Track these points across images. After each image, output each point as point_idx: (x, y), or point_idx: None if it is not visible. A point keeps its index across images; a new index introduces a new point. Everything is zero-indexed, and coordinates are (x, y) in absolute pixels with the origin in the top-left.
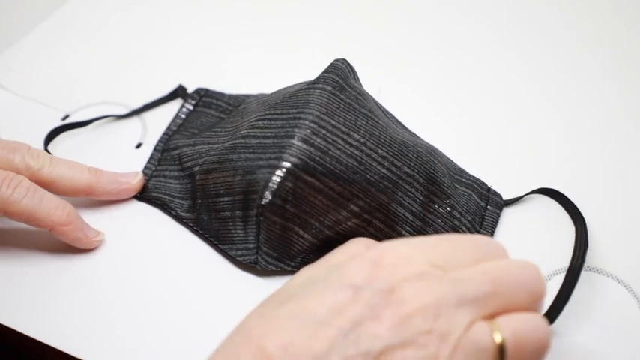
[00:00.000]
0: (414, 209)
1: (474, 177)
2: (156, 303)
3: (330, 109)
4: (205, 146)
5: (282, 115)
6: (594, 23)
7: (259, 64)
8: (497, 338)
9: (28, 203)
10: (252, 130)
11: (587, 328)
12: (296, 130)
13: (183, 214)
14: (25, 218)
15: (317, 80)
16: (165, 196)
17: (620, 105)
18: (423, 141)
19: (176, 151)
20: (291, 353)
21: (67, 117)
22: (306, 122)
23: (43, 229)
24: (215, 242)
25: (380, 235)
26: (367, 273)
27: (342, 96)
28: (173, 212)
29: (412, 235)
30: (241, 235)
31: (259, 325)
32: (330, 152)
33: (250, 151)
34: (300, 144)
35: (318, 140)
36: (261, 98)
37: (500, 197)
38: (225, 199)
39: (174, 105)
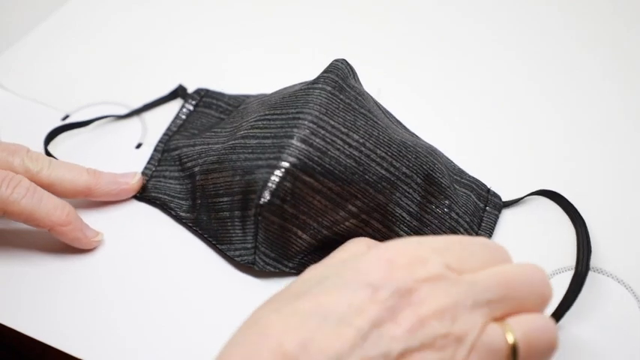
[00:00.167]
0: (411, 209)
1: (473, 177)
2: (155, 303)
3: (329, 109)
4: (205, 146)
5: (282, 116)
6: (594, 23)
7: (259, 64)
8: (510, 339)
9: (28, 203)
10: (251, 131)
11: (588, 328)
12: (295, 130)
13: (183, 214)
14: (25, 218)
15: (316, 80)
16: (165, 196)
17: (620, 105)
18: (423, 141)
19: (176, 152)
20: (311, 352)
21: (67, 117)
22: (306, 122)
23: (42, 229)
24: (214, 242)
25: (377, 236)
26: (384, 272)
27: (341, 96)
28: (173, 212)
29: (409, 235)
30: (240, 235)
31: (277, 322)
32: (329, 152)
33: (250, 151)
34: (299, 144)
35: (317, 140)
36: (261, 98)
37: (500, 198)
38: (225, 199)
39: (175, 105)
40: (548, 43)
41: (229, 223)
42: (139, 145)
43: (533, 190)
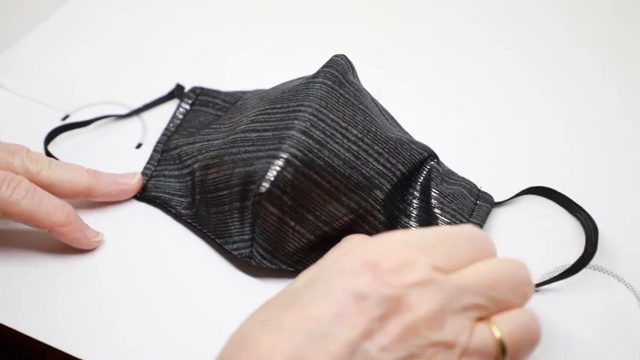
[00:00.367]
0: (406, 207)
1: (463, 177)
2: (155, 303)
3: (329, 103)
4: (205, 143)
5: (282, 109)
6: (594, 23)
7: (259, 64)
8: (497, 336)
9: (28, 204)
10: (251, 125)
11: (588, 327)
12: (296, 122)
13: (183, 211)
14: (25, 219)
15: (317, 75)
16: (165, 195)
17: (620, 105)
18: (416, 140)
19: (175, 151)
20: None
21: (67, 117)
22: (306, 115)
23: (42, 229)
24: (212, 237)
25: (375, 233)
26: (370, 278)
27: (341, 91)
28: (173, 210)
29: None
30: (238, 226)
31: (265, 339)
32: (329, 145)
33: (250, 144)
34: (299, 135)
35: (317, 132)
36: (259, 94)
37: (491, 197)
38: (224, 192)
39: (175, 105)
40: (548, 43)
41: (228, 216)
42: (139, 145)
43: (523, 189)
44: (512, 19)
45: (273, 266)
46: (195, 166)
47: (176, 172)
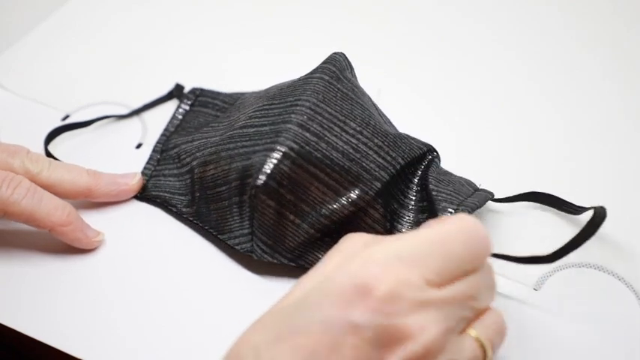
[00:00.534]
0: (404, 201)
1: (462, 177)
2: (156, 303)
3: (326, 97)
4: (203, 140)
5: (280, 104)
6: (594, 23)
7: (259, 64)
8: (483, 343)
9: (28, 203)
10: (249, 121)
11: (588, 326)
12: (293, 115)
13: (184, 209)
14: (25, 219)
15: (314, 70)
16: (166, 194)
17: (620, 105)
18: (421, 141)
19: (175, 150)
20: None
21: (67, 117)
22: (303, 108)
23: (42, 229)
24: (214, 233)
25: (377, 226)
26: (363, 308)
27: (338, 85)
28: (174, 209)
29: (406, 225)
30: (237, 221)
31: None
32: (326, 138)
33: (247, 138)
34: (296, 128)
35: (315, 125)
36: (258, 93)
37: (491, 192)
38: (223, 188)
39: (174, 105)
40: (548, 43)
41: (228, 212)
42: (139, 146)
43: (524, 193)
44: (512, 19)
45: (275, 261)
46: (194, 163)
47: (175, 171)
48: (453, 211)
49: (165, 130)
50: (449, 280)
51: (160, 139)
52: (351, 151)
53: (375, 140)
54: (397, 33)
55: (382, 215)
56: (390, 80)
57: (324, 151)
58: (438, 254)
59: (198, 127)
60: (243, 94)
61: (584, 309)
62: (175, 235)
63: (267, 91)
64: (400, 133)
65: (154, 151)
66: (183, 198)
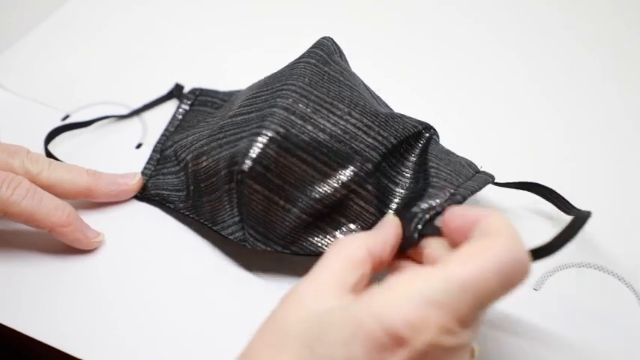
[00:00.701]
0: (400, 180)
1: (461, 157)
2: (155, 303)
3: (313, 80)
4: (197, 135)
5: (267, 91)
6: (594, 23)
7: (259, 64)
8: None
9: (28, 204)
10: (238, 109)
11: (587, 326)
12: (278, 99)
13: (180, 204)
14: (25, 219)
15: (302, 56)
16: (164, 192)
17: (620, 105)
18: (418, 119)
19: (172, 147)
20: None
21: (67, 117)
22: (289, 92)
23: (42, 230)
24: (209, 225)
25: (369, 207)
26: (401, 357)
27: (325, 69)
28: (171, 205)
29: (399, 205)
30: (228, 210)
31: None
32: (313, 120)
33: (235, 127)
34: (282, 112)
35: (301, 108)
36: (251, 86)
37: (492, 174)
38: (214, 178)
39: (174, 105)
40: (548, 43)
41: (219, 202)
42: (139, 146)
43: (525, 182)
44: (512, 19)
45: (268, 248)
46: (188, 157)
47: (173, 169)
48: (452, 191)
49: (166, 130)
50: (480, 314)
51: (160, 139)
52: (339, 132)
53: (365, 120)
54: (397, 33)
55: (375, 196)
56: (390, 80)
57: (312, 133)
58: (473, 297)
59: (196, 125)
60: (239, 91)
61: (584, 309)
62: (175, 235)
63: (258, 81)
64: (394, 113)
65: (153, 151)
66: (180, 194)
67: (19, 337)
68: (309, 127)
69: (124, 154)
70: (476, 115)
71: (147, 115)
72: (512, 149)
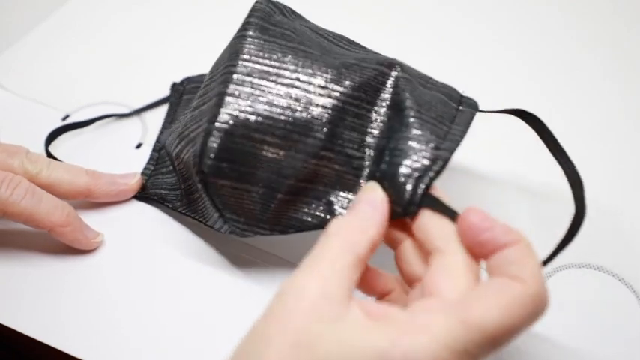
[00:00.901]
0: (371, 130)
1: (443, 83)
2: (156, 303)
3: (252, 54)
4: (176, 131)
5: (214, 77)
6: (594, 23)
7: None
8: None
9: (28, 204)
10: (196, 101)
11: (588, 327)
12: (222, 86)
13: (177, 203)
14: (25, 219)
15: (238, 30)
16: (162, 191)
17: (620, 105)
18: (382, 56)
19: (165, 145)
20: None
21: (67, 117)
22: (229, 75)
23: (42, 230)
24: (202, 221)
25: (346, 168)
26: None
27: (264, 37)
28: (169, 205)
29: (374, 157)
30: (209, 206)
31: None
32: (261, 98)
33: (193, 122)
34: (227, 99)
35: (246, 89)
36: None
37: (474, 101)
38: (190, 181)
39: None
40: (548, 43)
41: (201, 199)
42: (139, 146)
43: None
44: (512, 19)
45: (258, 234)
46: (173, 155)
47: (170, 168)
48: (434, 145)
49: (163, 127)
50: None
51: (158, 138)
52: (291, 102)
53: (316, 81)
54: (397, 33)
55: (347, 155)
56: None
57: (262, 111)
58: (493, 344)
59: (181, 116)
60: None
61: (584, 309)
62: (175, 234)
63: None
64: (347, 61)
65: (153, 150)
66: (176, 192)
67: (19, 338)
68: (259, 106)
69: (124, 154)
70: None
71: (147, 115)
72: (512, 149)
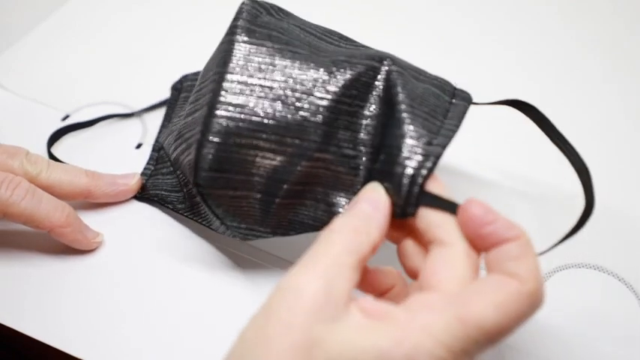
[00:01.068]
0: (362, 126)
1: (435, 75)
2: (156, 303)
3: (240, 60)
4: (173, 134)
5: (204, 84)
6: (594, 23)
7: None
8: None
9: (27, 205)
10: (189, 107)
11: (587, 326)
12: (211, 95)
13: (179, 205)
14: (24, 220)
15: (225, 33)
16: (163, 192)
17: (620, 105)
18: (374, 50)
19: (163, 146)
20: None
21: (67, 117)
22: (220, 84)
23: (42, 230)
24: (206, 225)
25: (341, 168)
26: None
27: (251, 40)
28: (170, 206)
29: (370, 155)
30: (209, 213)
31: None
32: (251, 104)
33: (187, 129)
34: (217, 107)
35: (236, 97)
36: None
37: (468, 94)
38: (189, 186)
39: None
40: (548, 43)
41: (201, 205)
42: (139, 146)
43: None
44: (512, 19)
45: (262, 237)
46: (172, 160)
47: (171, 169)
48: (427, 140)
49: (161, 126)
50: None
51: (157, 137)
52: (282, 106)
53: (306, 82)
54: (397, 33)
55: (345, 155)
56: None
57: (254, 118)
58: (490, 341)
59: (178, 115)
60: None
61: (584, 309)
62: (175, 234)
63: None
64: (336, 59)
65: (153, 150)
66: (178, 195)
67: (19, 338)
68: (250, 113)
69: (124, 154)
70: (476, 114)
71: (147, 114)
72: (512, 149)
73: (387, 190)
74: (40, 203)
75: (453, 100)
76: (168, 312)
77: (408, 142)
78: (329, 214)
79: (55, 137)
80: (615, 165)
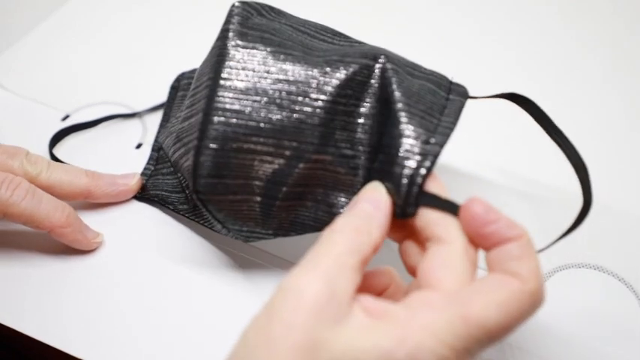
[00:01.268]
0: (359, 127)
1: (430, 70)
2: (156, 303)
3: (232, 64)
4: (171, 136)
5: (198, 89)
6: (594, 23)
7: None
8: None
9: (27, 205)
10: (185, 111)
11: (587, 326)
12: (206, 101)
13: (180, 206)
14: (24, 220)
15: (217, 37)
16: (163, 192)
17: (620, 105)
18: (368, 47)
19: (162, 146)
20: None
21: (67, 117)
22: (214, 90)
23: (42, 230)
24: (208, 226)
25: (341, 168)
26: None
27: (242, 44)
28: (171, 207)
29: (369, 155)
30: (211, 218)
31: None
32: (247, 109)
33: (185, 134)
34: (213, 114)
35: (231, 103)
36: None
37: (464, 88)
38: (188, 190)
39: None
40: (548, 42)
41: (202, 209)
42: (139, 146)
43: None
44: (512, 19)
45: (263, 239)
46: (172, 162)
47: (171, 169)
48: (425, 138)
49: (160, 125)
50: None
51: (156, 137)
52: (277, 109)
53: (300, 84)
54: (397, 33)
55: (344, 156)
56: None
57: (250, 122)
58: (491, 340)
59: (176, 114)
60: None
61: (584, 309)
62: (175, 234)
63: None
64: (330, 59)
65: (152, 150)
66: (179, 195)
67: (19, 338)
68: (246, 117)
69: (124, 154)
70: (476, 115)
71: (147, 115)
72: (512, 149)
73: (388, 189)
74: (40, 203)
75: (450, 96)
76: (168, 312)
77: (406, 141)
78: (330, 214)
79: (57, 138)
80: (615, 165)
